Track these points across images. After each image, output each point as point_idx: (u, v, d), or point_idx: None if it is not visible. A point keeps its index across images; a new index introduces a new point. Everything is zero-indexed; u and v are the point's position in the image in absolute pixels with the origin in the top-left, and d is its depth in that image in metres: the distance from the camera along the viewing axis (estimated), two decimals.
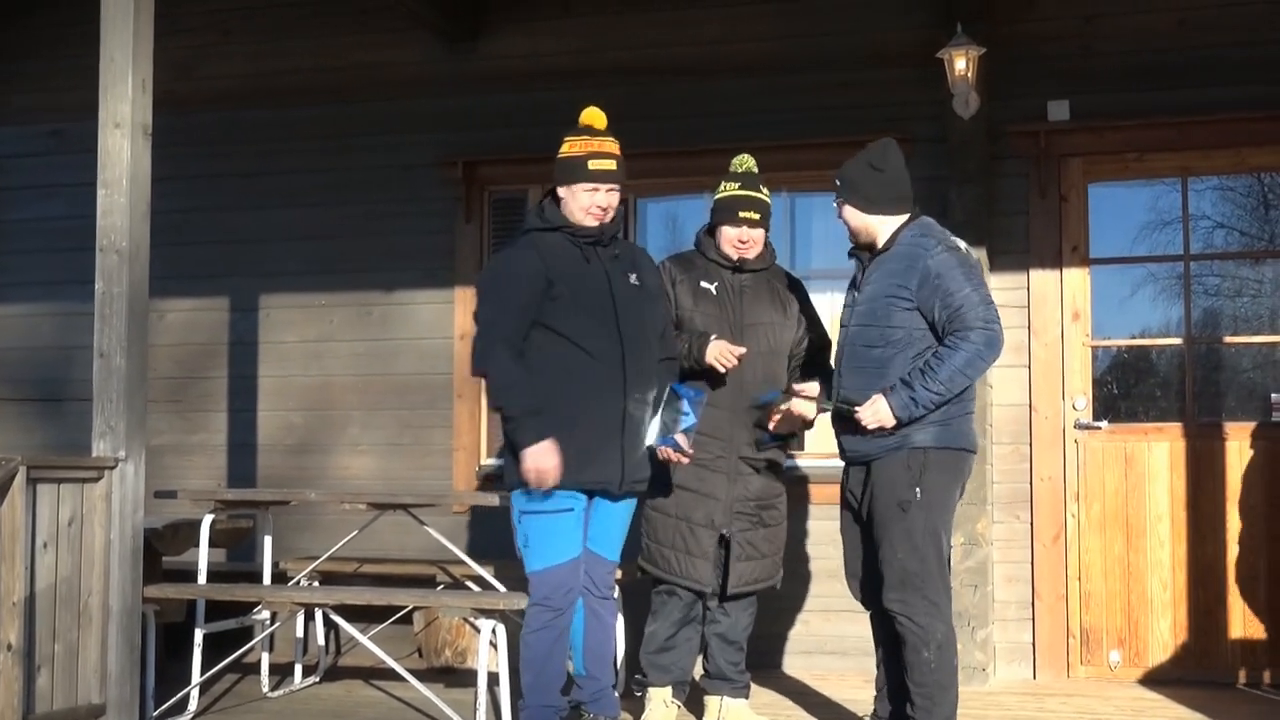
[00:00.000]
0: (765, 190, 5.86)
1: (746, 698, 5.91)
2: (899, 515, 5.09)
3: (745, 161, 5.90)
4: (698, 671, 5.99)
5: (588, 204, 5.28)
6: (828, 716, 6.25)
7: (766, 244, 5.88)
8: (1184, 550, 7.10)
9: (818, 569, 7.36)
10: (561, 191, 5.32)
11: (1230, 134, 7.09)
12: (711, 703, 5.90)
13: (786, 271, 6.07)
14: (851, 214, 5.31)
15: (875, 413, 5.06)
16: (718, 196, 5.84)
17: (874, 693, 5.46)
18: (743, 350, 5.60)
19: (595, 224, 5.29)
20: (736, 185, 5.81)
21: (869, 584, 5.29)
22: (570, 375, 5.15)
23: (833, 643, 7.34)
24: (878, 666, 5.42)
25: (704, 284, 5.77)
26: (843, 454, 5.34)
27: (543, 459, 5.04)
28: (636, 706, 5.90)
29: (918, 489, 5.08)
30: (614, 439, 5.18)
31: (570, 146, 5.32)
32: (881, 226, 5.27)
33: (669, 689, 5.82)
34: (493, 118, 8.01)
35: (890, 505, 5.10)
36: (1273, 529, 7.00)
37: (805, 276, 7.78)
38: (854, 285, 5.40)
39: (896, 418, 5.03)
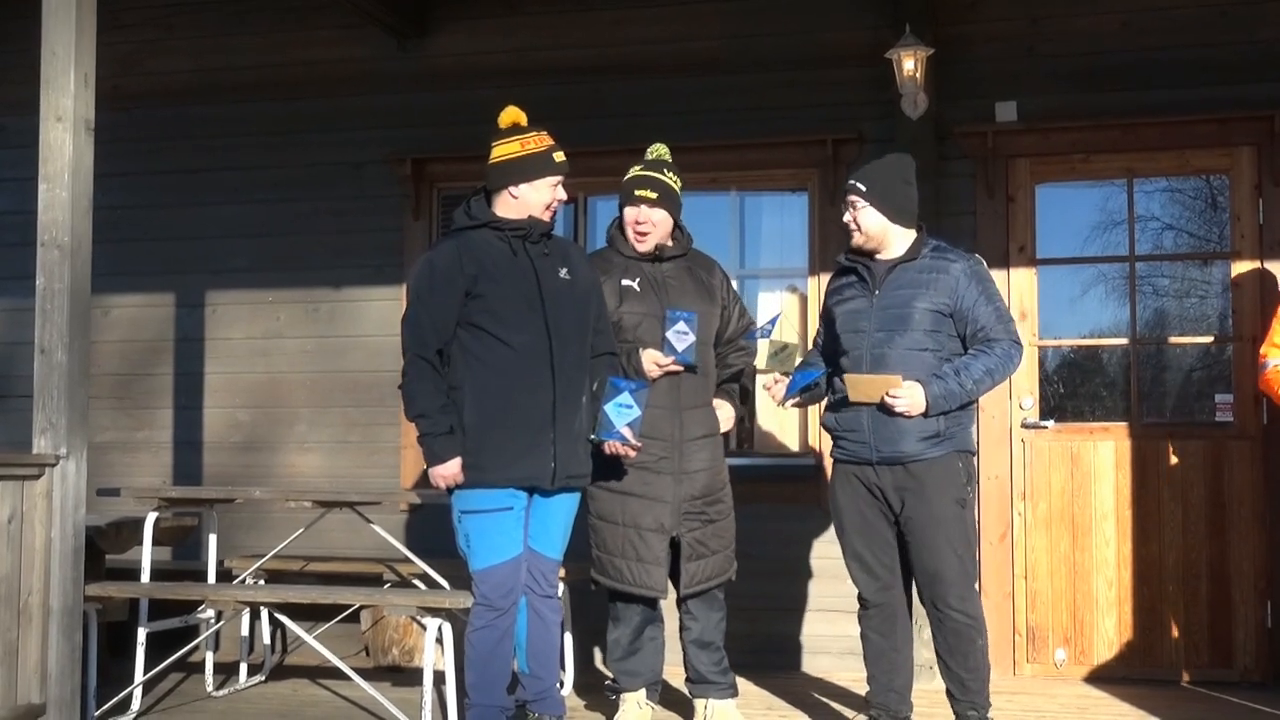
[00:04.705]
0: (671, 175, 5.75)
1: (733, 697, 5.85)
2: (957, 514, 5.29)
3: (656, 150, 5.85)
4: (677, 675, 5.96)
5: (550, 199, 5.31)
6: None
7: (679, 230, 5.82)
8: (1129, 549, 7.15)
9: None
10: (519, 189, 5.29)
11: (1174, 136, 7.14)
12: (698, 705, 5.85)
13: (708, 257, 5.98)
14: (875, 219, 5.37)
15: (912, 399, 5.16)
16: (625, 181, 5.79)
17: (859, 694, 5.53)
18: (670, 360, 5.59)
19: (549, 218, 5.32)
20: (639, 168, 5.76)
21: (893, 581, 5.41)
22: (497, 372, 5.16)
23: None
24: (887, 667, 5.47)
25: (625, 281, 5.71)
26: (864, 453, 5.33)
27: (449, 474, 5.18)
28: (608, 706, 5.92)
29: (969, 488, 5.32)
30: (544, 434, 5.17)
31: (523, 144, 5.29)
32: (897, 237, 5.39)
33: (641, 691, 5.80)
34: (442, 115, 7.99)
35: (948, 505, 5.26)
36: (1215, 528, 7.06)
37: (754, 275, 7.86)
38: (857, 293, 5.41)
39: (928, 406, 5.17)
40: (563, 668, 6.29)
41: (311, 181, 8.20)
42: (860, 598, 5.50)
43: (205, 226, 8.30)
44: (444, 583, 6.64)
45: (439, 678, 5.85)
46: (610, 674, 5.89)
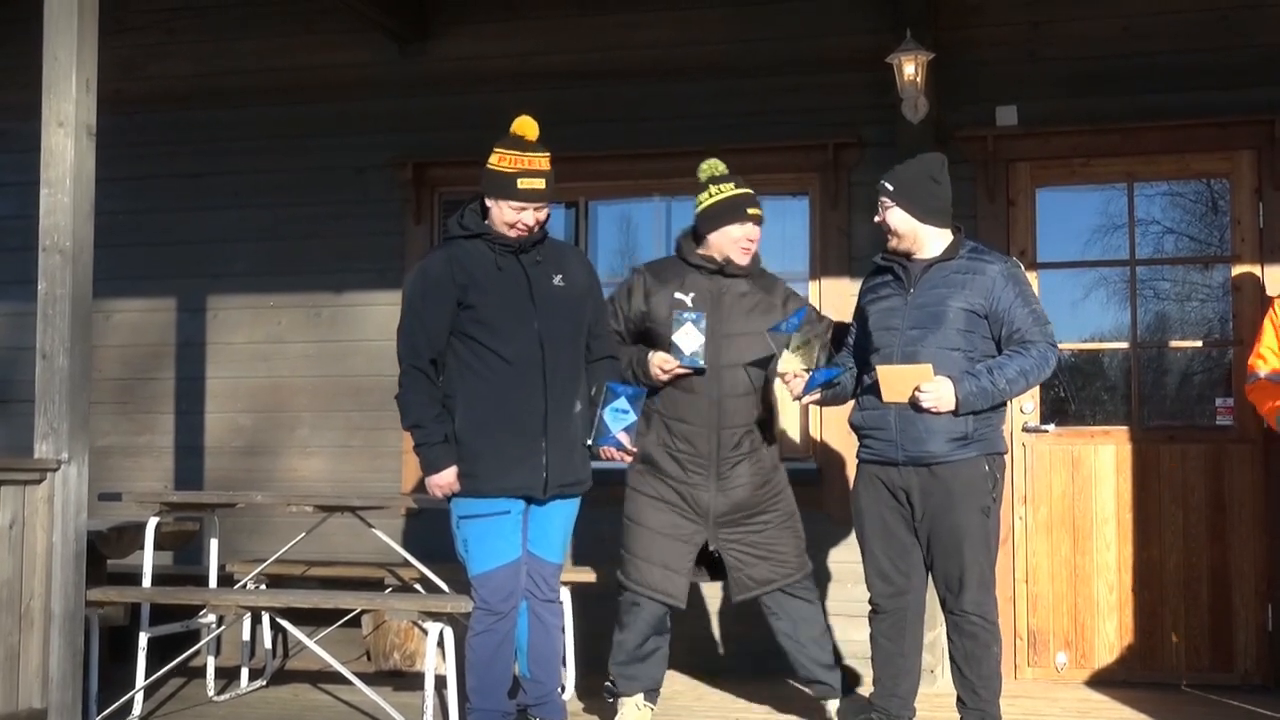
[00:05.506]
0: None
1: (837, 698, 5.89)
2: (980, 522, 5.24)
3: (718, 166, 5.84)
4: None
5: (513, 220, 5.26)
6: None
7: None
8: (1130, 552, 7.15)
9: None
10: (488, 202, 5.31)
11: (1174, 140, 7.15)
12: (827, 706, 5.90)
13: (772, 275, 5.97)
14: (902, 218, 5.34)
15: (939, 396, 5.11)
16: (715, 200, 5.75)
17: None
18: (675, 364, 5.59)
19: (515, 236, 5.29)
20: (731, 185, 5.76)
21: (907, 586, 5.37)
22: (489, 382, 5.17)
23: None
24: (894, 672, 5.44)
25: (678, 295, 5.70)
26: (890, 452, 5.29)
27: (444, 483, 5.23)
28: (608, 711, 5.93)
29: (994, 494, 5.26)
30: (536, 444, 5.19)
31: (500, 160, 5.26)
32: (929, 237, 5.36)
33: (639, 695, 5.81)
34: (443, 119, 8.00)
35: (973, 510, 5.22)
36: (1215, 531, 7.06)
37: None
38: (891, 291, 5.38)
39: (957, 404, 5.11)
40: (564, 672, 6.29)
41: (313, 186, 8.20)
42: (872, 601, 5.47)
43: (206, 231, 8.31)
44: (445, 587, 6.64)
45: (440, 682, 5.85)
46: (610, 675, 5.89)
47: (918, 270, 5.34)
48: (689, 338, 5.57)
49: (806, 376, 5.47)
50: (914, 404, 5.17)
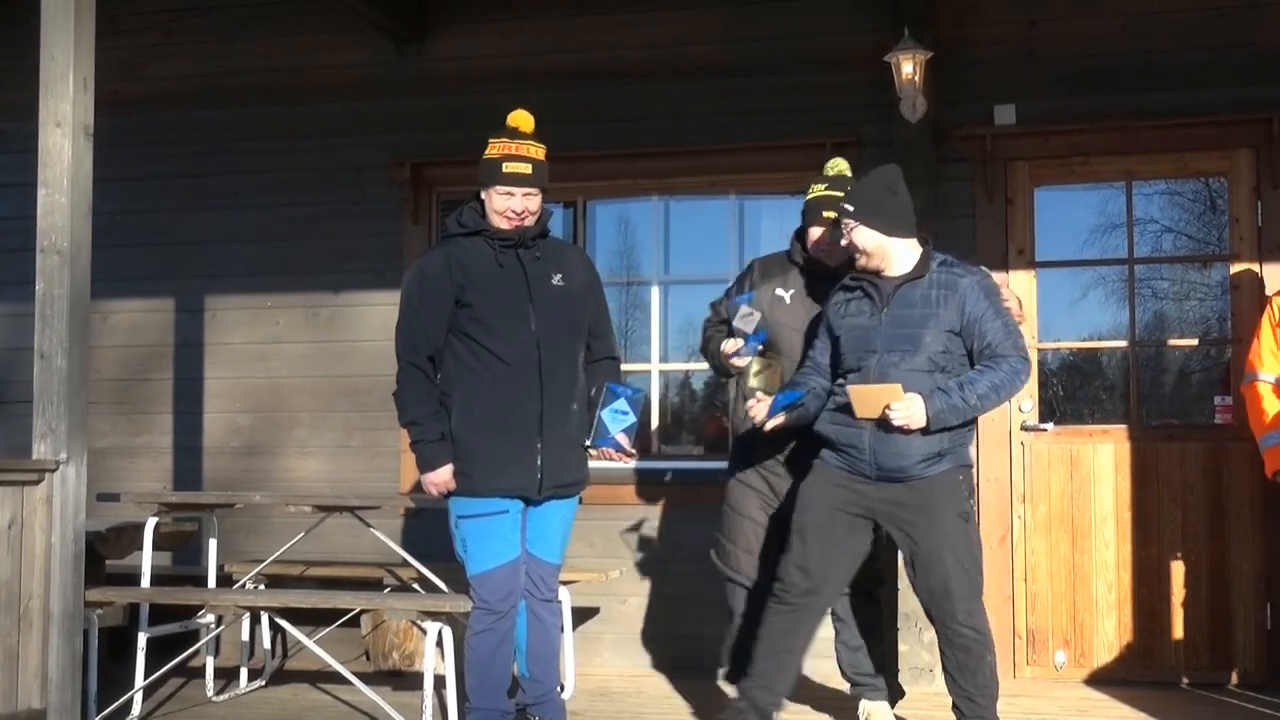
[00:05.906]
0: None
1: (886, 700, 5.91)
2: (961, 527, 5.20)
3: (837, 165, 5.83)
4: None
5: (502, 208, 5.26)
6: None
7: None
8: (1129, 551, 7.15)
9: None
10: (483, 194, 5.32)
11: (1172, 139, 7.14)
12: (863, 707, 5.92)
13: None
14: (869, 236, 5.23)
15: (910, 414, 5.02)
16: (805, 199, 5.78)
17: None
18: (739, 345, 5.55)
19: (509, 227, 5.29)
20: (823, 186, 5.74)
21: (822, 587, 5.29)
22: (485, 382, 5.18)
23: None
24: (775, 667, 5.35)
25: (779, 291, 5.74)
26: (864, 469, 5.19)
27: (440, 481, 5.24)
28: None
29: (970, 501, 5.25)
30: (530, 445, 5.19)
31: (491, 148, 5.30)
32: (898, 251, 5.26)
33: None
34: (441, 119, 8.00)
35: (952, 518, 5.17)
36: (1214, 529, 7.06)
37: None
38: (863, 309, 5.27)
39: (928, 421, 5.03)
40: (563, 671, 6.29)
41: (311, 186, 8.20)
42: (779, 591, 5.30)
43: (205, 231, 8.30)
44: (444, 587, 6.64)
45: (439, 682, 5.85)
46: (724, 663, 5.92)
47: (889, 288, 5.23)
48: (747, 319, 5.57)
49: (769, 400, 5.34)
50: (884, 422, 5.08)
